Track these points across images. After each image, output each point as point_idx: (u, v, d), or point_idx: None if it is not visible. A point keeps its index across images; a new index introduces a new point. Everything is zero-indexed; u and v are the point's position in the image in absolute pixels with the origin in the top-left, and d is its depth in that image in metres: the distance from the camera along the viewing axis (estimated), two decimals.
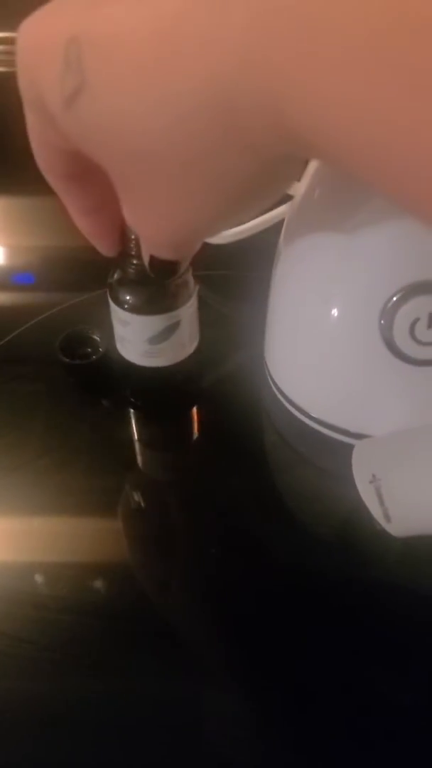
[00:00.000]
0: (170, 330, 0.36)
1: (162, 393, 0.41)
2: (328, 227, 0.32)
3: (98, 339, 0.43)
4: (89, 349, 0.43)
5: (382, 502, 0.31)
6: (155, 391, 0.41)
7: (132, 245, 0.33)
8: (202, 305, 0.46)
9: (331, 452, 0.36)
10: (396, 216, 0.29)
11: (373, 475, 0.32)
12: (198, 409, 0.42)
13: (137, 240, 0.33)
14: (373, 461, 0.32)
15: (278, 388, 0.40)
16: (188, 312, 0.37)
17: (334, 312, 0.33)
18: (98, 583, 0.34)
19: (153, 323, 0.36)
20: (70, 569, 0.34)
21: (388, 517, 0.32)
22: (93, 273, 0.47)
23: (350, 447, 0.36)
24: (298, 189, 0.35)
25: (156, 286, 0.35)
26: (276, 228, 0.39)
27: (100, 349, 0.42)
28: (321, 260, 0.33)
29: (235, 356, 0.44)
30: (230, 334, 0.45)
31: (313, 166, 0.33)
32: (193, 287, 0.37)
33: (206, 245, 0.49)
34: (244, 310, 0.44)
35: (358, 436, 0.36)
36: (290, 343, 0.38)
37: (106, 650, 0.32)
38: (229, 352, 0.44)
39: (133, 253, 0.33)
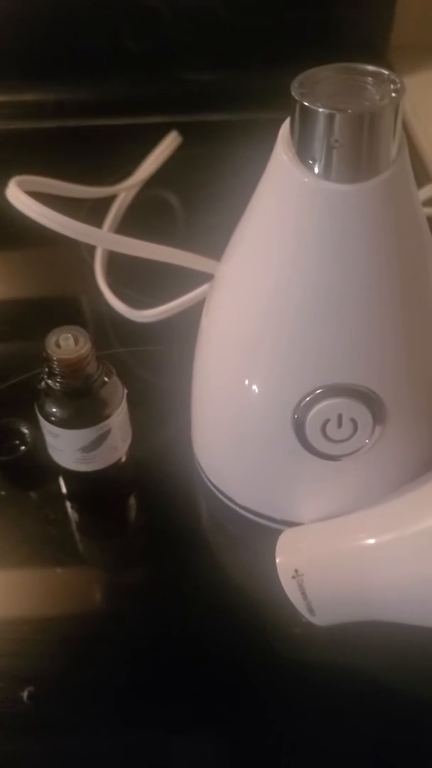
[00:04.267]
0: (101, 438, 0.37)
1: (95, 489, 0.42)
2: (243, 319, 0.33)
3: (26, 431, 0.43)
4: (17, 442, 0.43)
5: (305, 597, 0.33)
6: (87, 487, 0.42)
7: (55, 364, 0.35)
8: (134, 382, 0.46)
9: (262, 535, 0.38)
10: (314, 319, 0.31)
11: (296, 570, 0.33)
12: (132, 500, 0.43)
13: (60, 359, 0.35)
14: (295, 556, 0.34)
15: (206, 476, 0.41)
16: (118, 419, 0.38)
17: (250, 404, 0.35)
18: (28, 687, 0.35)
19: (83, 435, 0.37)
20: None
21: (311, 611, 0.33)
22: (17, 360, 0.48)
23: (279, 531, 0.37)
24: (218, 269, 0.36)
25: (84, 398, 0.36)
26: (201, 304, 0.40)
27: (28, 441, 0.42)
28: (236, 352, 0.34)
29: (163, 439, 0.45)
30: (161, 415, 0.45)
31: (234, 243, 0.34)
32: (122, 392, 0.38)
33: (133, 323, 0.51)
34: (175, 386, 0.43)
35: (285, 523, 0.38)
36: (211, 432, 0.39)
37: None
38: (157, 435, 0.45)
39: (56, 372, 0.35)
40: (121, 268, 0.54)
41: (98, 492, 0.42)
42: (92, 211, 0.59)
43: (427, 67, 0.71)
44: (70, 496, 0.42)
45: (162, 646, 0.37)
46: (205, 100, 0.71)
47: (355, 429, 0.33)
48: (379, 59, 0.72)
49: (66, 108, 0.70)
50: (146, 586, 0.40)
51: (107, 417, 0.37)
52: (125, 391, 0.38)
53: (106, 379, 0.37)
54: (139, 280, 0.53)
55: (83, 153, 0.66)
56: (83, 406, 0.36)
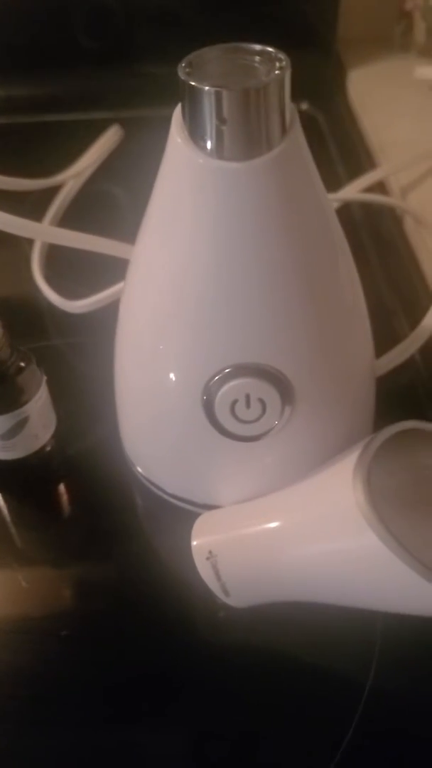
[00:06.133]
0: (20, 426, 0.37)
1: (20, 478, 0.41)
2: (151, 302, 0.34)
3: None
4: None
5: (219, 578, 0.33)
6: (12, 476, 0.41)
7: None
8: (69, 373, 0.47)
9: (189, 520, 0.37)
10: (217, 300, 0.31)
11: (210, 552, 0.34)
12: (60, 489, 0.43)
13: None
14: (208, 538, 0.34)
15: (132, 463, 0.41)
16: (37, 406, 0.38)
17: (163, 387, 0.35)
18: None
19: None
20: None
21: (226, 592, 0.33)
22: None
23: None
24: (133, 254, 0.36)
25: None
26: None
27: None
28: (146, 336, 0.35)
29: (93, 429, 0.45)
30: (88, 405, 0.45)
31: (142, 228, 0.34)
32: (41, 379, 0.38)
33: (64, 313, 0.51)
34: (109, 376, 0.43)
35: (207, 507, 0.38)
36: (131, 418, 0.39)
37: None
38: (87, 425, 0.45)
39: None
40: (63, 261, 0.54)
41: (24, 481, 0.42)
42: (35, 205, 0.60)
43: (373, 60, 0.72)
44: None
45: (90, 636, 0.37)
46: (155, 96, 0.71)
47: (264, 409, 0.33)
48: (327, 53, 0.73)
49: (15, 103, 0.70)
50: (75, 576, 0.39)
51: (24, 403, 0.37)
52: (44, 377, 0.38)
53: (22, 364, 0.37)
54: (79, 272, 0.53)
55: (32, 149, 0.66)
56: None
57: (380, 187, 0.61)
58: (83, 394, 0.46)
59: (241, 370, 0.32)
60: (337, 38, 0.72)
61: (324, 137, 0.68)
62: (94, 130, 0.65)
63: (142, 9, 0.68)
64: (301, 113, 0.30)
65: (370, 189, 0.59)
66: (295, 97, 0.29)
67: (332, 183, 0.61)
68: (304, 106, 0.70)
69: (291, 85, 0.28)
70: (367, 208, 0.59)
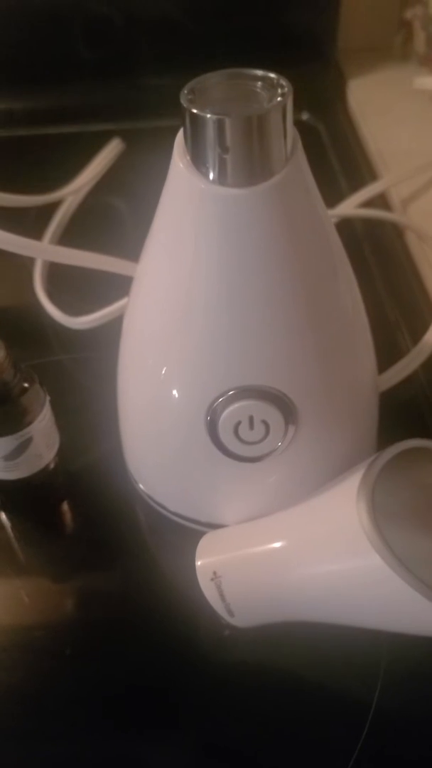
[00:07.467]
0: (24, 446, 0.37)
1: (24, 497, 0.42)
2: (154, 326, 0.34)
3: None
4: None
5: (223, 599, 0.33)
6: (16, 495, 0.41)
7: None
8: (74, 388, 0.48)
9: (193, 539, 0.37)
10: (220, 324, 0.31)
11: (214, 572, 0.34)
12: (64, 507, 0.43)
13: None
14: (213, 558, 0.34)
15: (134, 479, 0.41)
16: (40, 426, 0.38)
17: (167, 407, 0.35)
18: None
19: (4, 443, 0.37)
20: None
21: (231, 612, 0.33)
22: None
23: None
24: (136, 276, 0.36)
25: (2, 406, 0.36)
26: None
27: None
28: (150, 358, 0.35)
29: (96, 446, 0.45)
30: (91, 421, 0.45)
31: (145, 247, 0.34)
32: (44, 399, 0.38)
33: (66, 329, 0.52)
34: (105, 393, 0.43)
35: (211, 526, 0.38)
36: (134, 437, 0.39)
37: None
38: (90, 442, 0.45)
39: None
40: (65, 277, 0.54)
41: (28, 500, 0.42)
42: (37, 220, 0.60)
43: (373, 70, 0.72)
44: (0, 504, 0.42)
45: (93, 653, 0.37)
46: (155, 108, 0.71)
47: (268, 431, 0.33)
48: (327, 63, 0.73)
49: (15, 117, 0.71)
50: (78, 594, 0.39)
51: (29, 424, 0.37)
52: (47, 397, 0.38)
53: (26, 385, 0.37)
54: (81, 288, 0.53)
55: (32, 163, 0.66)
56: (2, 414, 0.36)
57: (381, 198, 0.61)
58: (86, 410, 0.46)
59: (244, 393, 0.32)
60: (337, 48, 0.73)
61: (324, 147, 0.68)
62: (95, 143, 0.65)
63: (142, 21, 0.68)
64: (302, 123, 0.30)
65: (371, 201, 0.60)
66: (296, 107, 0.29)
67: (333, 193, 0.61)
68: (305, 116, 0.71)
69: (292, 96, 0.28)
70: (368, 221, 0.59)
